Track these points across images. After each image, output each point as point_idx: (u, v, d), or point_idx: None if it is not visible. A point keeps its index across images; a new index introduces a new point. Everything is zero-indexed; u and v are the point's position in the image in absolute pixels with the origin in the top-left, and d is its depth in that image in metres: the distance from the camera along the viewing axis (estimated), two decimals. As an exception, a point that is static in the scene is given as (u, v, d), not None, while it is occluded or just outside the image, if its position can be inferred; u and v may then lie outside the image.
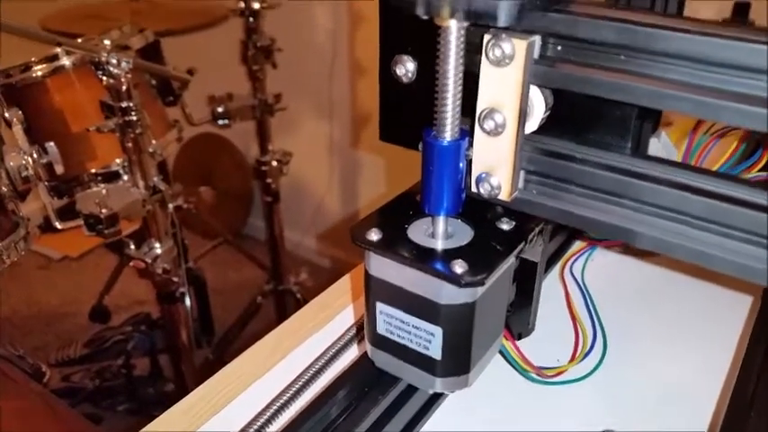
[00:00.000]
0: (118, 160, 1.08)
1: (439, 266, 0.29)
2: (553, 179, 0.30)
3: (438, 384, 0.32)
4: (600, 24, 0.25)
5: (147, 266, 1.17)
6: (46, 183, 1.04)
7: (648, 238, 0.27)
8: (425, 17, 0.27)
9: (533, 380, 0.41)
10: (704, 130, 0.54)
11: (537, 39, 0.27)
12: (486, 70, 0.27)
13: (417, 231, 0.32)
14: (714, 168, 0.48)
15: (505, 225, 0.32)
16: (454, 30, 0.26)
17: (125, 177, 1.10)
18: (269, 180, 1.47)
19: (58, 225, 1.09)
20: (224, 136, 2.07)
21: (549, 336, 0.43)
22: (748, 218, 0.25)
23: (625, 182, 0.28)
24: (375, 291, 0.32)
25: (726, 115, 0.24)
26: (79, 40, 1.27)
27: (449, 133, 0.29)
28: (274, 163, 1.46)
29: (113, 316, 1.90)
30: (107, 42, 1.02)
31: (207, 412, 0.40)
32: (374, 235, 0.31)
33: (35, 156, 1.00)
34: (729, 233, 0.26)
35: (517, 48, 0.26)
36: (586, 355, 0.43)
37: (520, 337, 0.38)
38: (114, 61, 0.99)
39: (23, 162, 1.00)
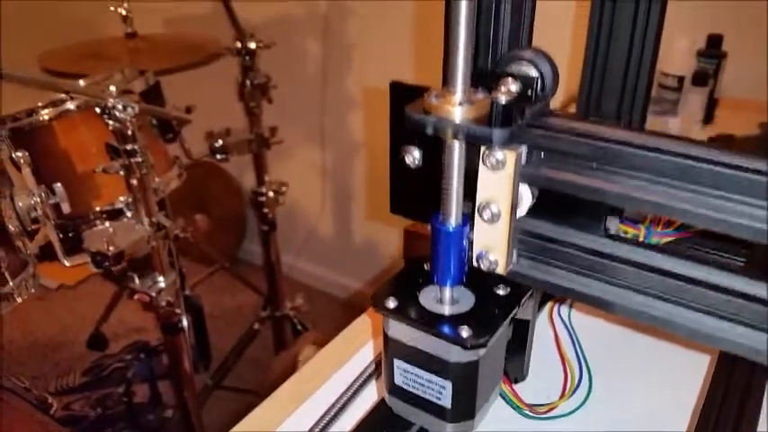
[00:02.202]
0: (122, 198, 1.12)
1: (447, 331, 0.35)
2: (540, 256, 0.35)
3: (448, 429, 0.38)
4: (574, 141, 0.31)
5: (152, 299, 1.21)
6: (53, 222, 1.08)
7: (620, 307, 0.33)
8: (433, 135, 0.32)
9: (528, 416, 0.47)
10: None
11: (524, 149, 0.33)
12: (484, 173, 0.33)
13: (427, 298, 0.37)
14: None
15: (502, 291, 0.38)
16: (457, 147, 0.32)
17: (129, 214, 1.14)
18: (265, 210, 1.53)
19: (66, 263, 1.13)
20: (216, 163, 2.12)
21: (542, 374, 0.48)
22: (697, 292, 0.31)
23: (597, 260, 0.34)
24: (393, 349, 0.38)
25: (679, 215, 0.29)
26: (82, 82, 1.31)
27: (453, 221, 0.35)
28: (271, 193, 1.51)
29: (111, 343, 1.93)
30: (112, 89, 1.06)
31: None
32: (391, 303, 0.37)
33: (43, 196, 1.05)
34: (686, 304, 0.32)
35: (508, 157, 0.32)
36: (574, 391, 0.49)
37: (516, 381, 0.43)
38: (120, 107, 1.04)
39: (32, 203, 1.04)
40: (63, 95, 1.05)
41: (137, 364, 1.66)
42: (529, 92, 0.35)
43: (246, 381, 1.69)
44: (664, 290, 0.32)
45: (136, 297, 1.23)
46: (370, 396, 0.48)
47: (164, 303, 1.21)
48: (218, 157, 1.42)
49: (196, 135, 1.37)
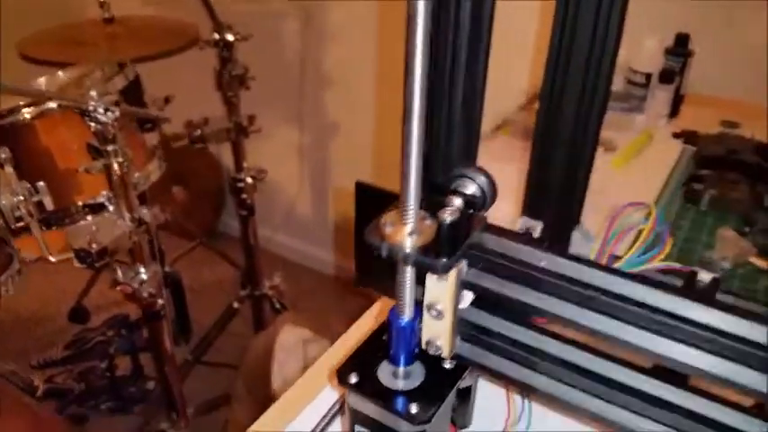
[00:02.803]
0: (104, 192, 1.16)
1: (399, 407, 0.42)
2: (478, 341, 0.42)
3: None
4: (503, 264, 0.38)
5: (134, 291, 1.26)
6: (37, 219, 1.11)
7: (540, 393, 0.40)
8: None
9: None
10: (620, 221, 0.65)
11: (464, 264, 0.39)
12: (430, 280, 0.40)
13: (385, 372, 0.44)
14: (625, 256, 0.59)
15: (448, 364, 0.45)
16: (409, 270, 0.38)
17: (111, 208, 1.18)
18: (244, 196, 1.57)
19: (52, 259, 1.18)
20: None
21: (485, 411, 0.55)
22: (606, 390, 0.38)
23: (523, 350, 0.40)
24: (354, 416, 0.44)
25: (571, 326, 0.36)
26: (60, 73, 1.33)
27: (406, 317, 0.41)
28: (249, 180, 1.55)
29: (92, 316, 1.98)
30: (93, 93, 1.08)
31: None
32: (353, 378, 0.43)
33: (26, 194, 1.08)
34: (594, 394, 0.39)
35: (451, 272, 0.38)
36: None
37: (462, 428, 0.51)
38: (101, 110, 1.07)
39: (15, 201, 1.08)
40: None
41: (118, 338, 1.70)
42: (473, 201, 0.41)
43: (227, 355, 1.75)
44: (577, 381, 0.39)
45: (118, 288, 1.28)
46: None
47: (146, 295, 1.26)
48: (198, 146, 1.45)
49: (175, 123, 1.40)
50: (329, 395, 0.58)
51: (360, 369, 0.44)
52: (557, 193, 0.57)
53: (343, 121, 1.91)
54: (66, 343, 1.77)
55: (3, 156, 1.07)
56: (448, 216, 0.39)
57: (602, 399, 0.38)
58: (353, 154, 1.89)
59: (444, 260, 0.36)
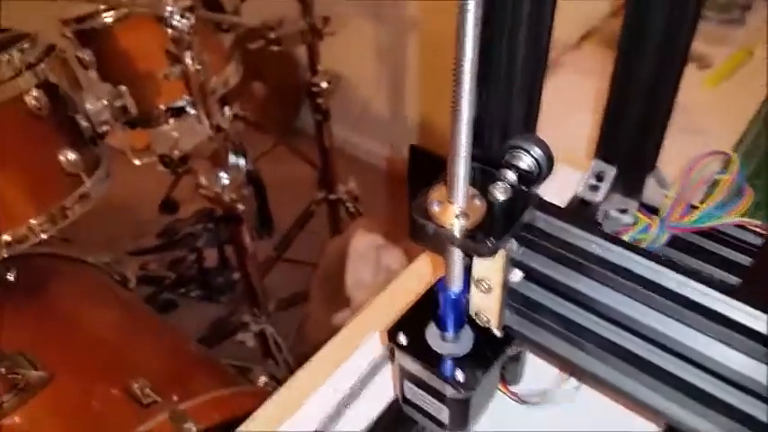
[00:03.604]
0: (185, 96, 1.17)
1: (445, 372, 0.42)
2: (529, 316, 0.41)
3: (446, 435, 0.47)
4: (554, 251, 0.36)
5: (216, 195, 1.30)
6: (121, 123, 1.15)
7: (590, 375, 0.39)
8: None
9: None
10: (697, 170, 0.61)
11: (514, 244, 0.38)
12: (478, 259, 0.39)
13: (433, 335, 0.45)
14: (702, 207, 0.56)
15: (498, 332, 0.45)
16: (456, 252, 0.37)
17: (192, 112, 1.19)
18: (319, 100, 1.56)
19: (137, 162, 1.23)
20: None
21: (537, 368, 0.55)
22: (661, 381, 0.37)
23: (576, 329, 0.39)
24: (402, 373, 0.46)
25: (627, 322, 0.35)
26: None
27: (454, 290, 0.41)
28: (324, 84, 1.54)
29: (181, 208, 2.07)
30: (169, -1, 1.06)
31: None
32: (402, 338, 0.44)
33: (111, 98, 1.11)
34: (645, 382, 0.38)
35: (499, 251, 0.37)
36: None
37: (511, 384, 0.51)
38: (177, 16, 1.06)
39: (101, 105, 1.11)
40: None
41: (205, 231, 1.79)
42: (527, 175, 0.39)
43: (307, 253, 1.81)
44: (629, 364, 0.38)
45: (200, 192, 1.33)
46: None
47: (227, 199, 1.30)
48: (274, 48, 1.43)
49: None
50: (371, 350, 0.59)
51: (409, 329, 0.44)
52: (635, 124, 0.54)
53: (420, 20, 1.83)
54: (157, 232, 1.87)
55: (87, 58, 1.09)
56: (499, 194, 0.37)
57: (655, 391, 0.37)
58: (431, 53, 1.82)
59: (490, 245, 0.35)
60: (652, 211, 0.61)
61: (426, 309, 0.45)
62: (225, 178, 1.29)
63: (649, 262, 0.35)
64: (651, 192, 0.62)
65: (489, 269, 0.39)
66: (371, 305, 0.65)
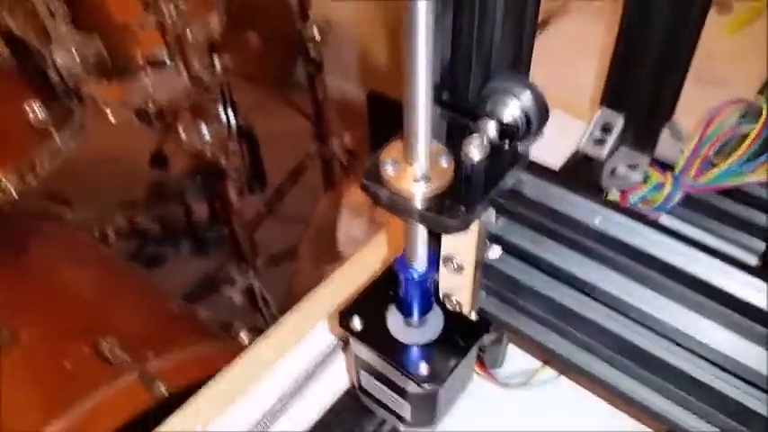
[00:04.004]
0: (162, 48, 1.09)
1: (407, 365, 0.35)
2: (507, 298, 0.34)
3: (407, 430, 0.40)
4: (541, 221, 0.29)
5: (198, 152, 1.23)
6: (95, 76, 1.08)
7: (575, 367, 0.33)
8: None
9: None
10: (719, 121, 0.54)
11: (492, 214, 0.30)
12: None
13: (395, 319, 0.37)
14: (723, 164, 0.49)
15: (473, 315, 0.38)
16: (420, 228, 0.30)
17: (169, 63, 1.12)
18: (311, 50, 1.47)
19: (112, 119, 1.15)
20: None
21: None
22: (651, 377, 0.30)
23: (562, 315, 0.32)
24: (358, 362, 0.39)
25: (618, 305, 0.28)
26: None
27: (417, 270, 0.33)
28: (315, 32, 1.44)
29: (171, 162, 2.00)
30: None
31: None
32: (357, 323, 0.37)
33: (83, 49, 1.03)
34: (635, 376, 0.31)
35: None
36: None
37: (491, 368, 0.44)
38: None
39: (72, 56, 1.04)
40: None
41: (194, 185, 1.73)
42: (511, 129, 0.31)
43: (298, 209, 1.75)
44: (629, 359, 0.31)
45: (183, 147, 1.26)
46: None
47: (209, 155, 1.23)
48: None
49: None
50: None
51: (366, 313, 0.37)
52: (649, 69, 0.47)
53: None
54: (146, 186, 1.82)
55: (57, 8, 1.01)
56: (474, 150, 0.29)
57: (660, 392, 0.30)
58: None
59: (461, 217, 0.28)
60: (665, 167, 0.55)
61: (386, 288, 0.38)
62: (207, 133, 1.21)
63: (670, 240, 0.27)
64: (665, 146, 0.55)
65: (460, 245, 0.32)
66: (322, 286, 0.56)
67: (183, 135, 1.20)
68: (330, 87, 1.66)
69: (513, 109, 0.31)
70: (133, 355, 0.86)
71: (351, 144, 1.66)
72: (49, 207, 1.32)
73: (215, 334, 1.07)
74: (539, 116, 0.31)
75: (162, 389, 0.83)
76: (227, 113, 1.26)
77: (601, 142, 0.55)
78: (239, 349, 1.06)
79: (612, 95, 0.53)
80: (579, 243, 0.29)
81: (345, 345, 0.46)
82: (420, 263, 0.33)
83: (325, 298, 0.54)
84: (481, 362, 0.44)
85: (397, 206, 0.29)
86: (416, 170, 0.28)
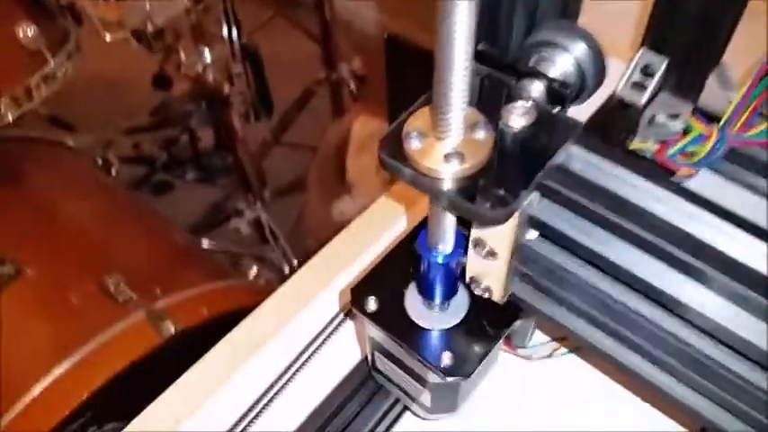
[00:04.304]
0: (159, -39, 1.03)
1: (428, 354, 0.31)
2: (543, 285, 0.29)
3: (427, 416, 0.37)
4: (591, 207, 0.24)
5: (198, 75, 1.17)
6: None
7: (626, 369, 0.28)
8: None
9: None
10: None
11: (535, 197, 0.25)
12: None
13: (414, 299, 0.33)
14: None
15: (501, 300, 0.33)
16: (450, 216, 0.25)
17: (169, -21, 1.05)
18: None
19: (108, 38, 1.09)
20: None
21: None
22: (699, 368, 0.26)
23: (604, 307, 0.28)
24: (374, 344, 0.35)
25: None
26: None
27: (442, 253, 0.28)
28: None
29: (175, 84, 1.93)
30: None
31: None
32: (372, 303, 0.33)
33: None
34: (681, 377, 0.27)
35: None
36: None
37: (517, 347, 0.40)
38: None
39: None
40: None
41: (199, 109, 1.68)
42: (562, 90, 0.25)
43: (307, 136, 1.69)
44: (675, 359, 0.27)
45: (182, 71, 1.20)
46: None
47: (210, 79, 1.17)
48: None
49: None
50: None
51: (381, 291, 0.33)
52: (698, 4, 0.41)
53: None
54: (150, 109, 1.76)
55: None
56: (517, 118, 0.24)
57: (703, 393, 0.26)
58: None
59: (501, 207, 0.23)
60: (710, 118, 0.50)
61: (405, 263, 0.33)
62: (207, 57, 1.15)
63: (746, 237, 0.22)
64: (710, 94, 0.50)
65: (494, 229, 0.27)
66: (328, 249, 0.50)
67: (183, 57, 1.14)
68: (339, 7, 1.57)
69: (563, 63, 0.26)
70: (140, 293, 0.84)
71: (361, 69, 1.57)
72: (49, 133, 1.27)
73: (223, 270, 1.04)
74: (595, 73, 0.26)
75: (170, 328, 0.81)
76: (230, 33, 1.19)
77: (640, 87, 0.49)
78: (248, 286, 1.04)
79: (656, 35, 0.47)
80: (636, 235, 0.24)
81: (348, 314, 0.42)
82: (446, 245, 0.29)
83: (334, 260, 0.49)
84: (507, 338, 0.40)
85: (423, 186, 0.24)
86: (447, 145, 0.23)
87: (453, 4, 0.19)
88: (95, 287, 0.86)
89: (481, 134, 0.24)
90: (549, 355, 0.44)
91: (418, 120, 0.24)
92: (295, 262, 1.40)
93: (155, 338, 0.80)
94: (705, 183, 0.54)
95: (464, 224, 0.28)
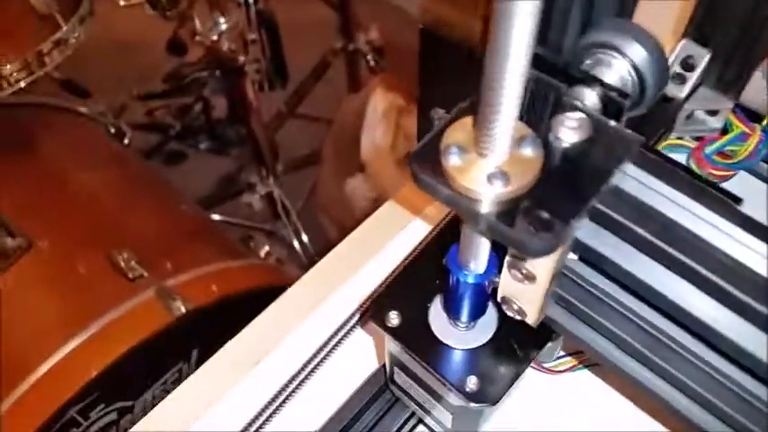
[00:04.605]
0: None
1: (452, 376, 0.29)
2: (579, 309, 0.27)
3: (447, 433, 0.35)
4: (641, 236, 0.21)
5: (213, 44, 1.14)
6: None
7: (665, 403, 0.26)
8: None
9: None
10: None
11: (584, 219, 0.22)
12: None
13: (438, 315, 0.30)
14: None
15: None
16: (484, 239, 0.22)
17: (183, -56, 1.02)
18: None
19: (122, 2, 1.07)
20: None
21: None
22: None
23: (644, 338, 0.25)
24: (393, 360, 0.32)
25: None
26: None
27: (473, 273, 0.26)
28: None
29: (190, 50, 1.90)
30: None
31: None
32: (393, 318, 0.30)
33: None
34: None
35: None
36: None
37: (545, 362, 0.38)
38: None
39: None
40: None
41: (213, 78, 1.65)
42: (618, 99, 0.22)
43: (322, 108, 1.65)
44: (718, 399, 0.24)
45: (197, 38, 1.17)
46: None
47: (225, 48, 1.15)
48: None
49: None
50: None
51: (404, 305, 0.30)
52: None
53: None
54: (164, 75, 1.74)
55: None
56: (568, 132, 0.21)
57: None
58: None
59: (546, 237, 0.20)
60: (751, 116, 0.47)
61: (432, 274, 0.31)
62: (222, 24, 1.11)
63: None
64: (754, 90, 0.46)
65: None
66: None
67: (198, 25, 1.11)
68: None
69: (620, 67, 0.23)
70: (151, 270, 0.82)
71: (379, 40, 1.53)
72: (61, 99, 1.24)
73: (235, 248, 1.03)
74: (656, 79, 0.23)
75: (180, 306, 0.80)
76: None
77: (681, 79, 0.46)
78: (259, 265, 1.02)
79: (699, 26, 0.44)
80: (690, 269, 0.21)
81: (362, 316, 0.40)
82: (478, 265, 0.26)
83: (358, 251, 0.46)
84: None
85: (460, 207, 0.21)
86: (490, 163, 0.20)
87: (514, 5, 0.16)
88: (106, 262, 0.85)
89: (529, 151, 0.21)
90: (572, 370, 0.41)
91: (458, 131, 0.21)
92: (305, 238, 1.38)
93: (165, 317, 0.79)
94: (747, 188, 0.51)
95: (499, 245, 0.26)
